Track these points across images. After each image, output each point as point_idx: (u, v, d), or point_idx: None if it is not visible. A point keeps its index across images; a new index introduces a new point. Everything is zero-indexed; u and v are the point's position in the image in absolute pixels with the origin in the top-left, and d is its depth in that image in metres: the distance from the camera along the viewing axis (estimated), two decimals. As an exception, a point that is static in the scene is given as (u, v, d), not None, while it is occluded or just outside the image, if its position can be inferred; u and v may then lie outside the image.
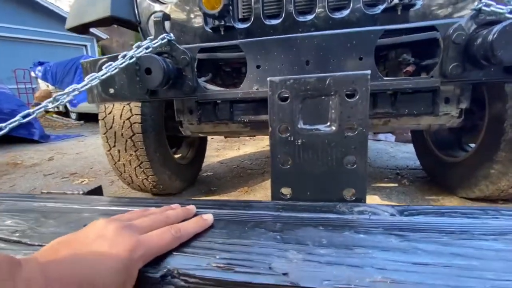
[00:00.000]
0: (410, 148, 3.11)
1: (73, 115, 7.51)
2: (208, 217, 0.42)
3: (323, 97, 0.51)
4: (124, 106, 1.57)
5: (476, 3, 0.82)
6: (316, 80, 0.50)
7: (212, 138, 4.02)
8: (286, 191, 0.54)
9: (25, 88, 9.63)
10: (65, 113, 7.71)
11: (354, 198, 0.51)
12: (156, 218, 0.40)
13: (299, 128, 0.53)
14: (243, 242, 0.38)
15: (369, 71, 0.49)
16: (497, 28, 0.73)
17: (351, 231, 0.40)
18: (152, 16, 1.23)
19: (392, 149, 3.36)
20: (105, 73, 0.86)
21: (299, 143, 0.53)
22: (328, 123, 0.52)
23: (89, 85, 0.83)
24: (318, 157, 0.52)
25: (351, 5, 1.13)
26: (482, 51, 0.77)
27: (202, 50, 1.09)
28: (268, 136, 0.56)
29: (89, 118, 6.89)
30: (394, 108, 1.01)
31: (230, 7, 1.11)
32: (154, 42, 0.97)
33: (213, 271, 0.33)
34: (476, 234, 0.38)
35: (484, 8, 0.78)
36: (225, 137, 3.14)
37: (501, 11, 0.75)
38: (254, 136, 2.69)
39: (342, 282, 0.29)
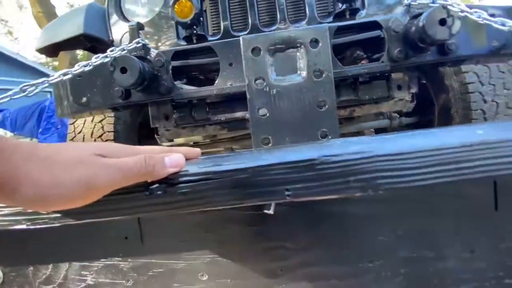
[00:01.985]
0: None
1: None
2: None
3: (290, 49, 0.57)
4: (95, 124, 1.54)
5: (405, 1, 1.00)
6: (283, 35, 0.57)
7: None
8: (266, 139, 0.57)
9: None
10: None
11: (329, 138, 0.55)
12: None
13: (273, 79, 0.59)
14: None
15: (327, 25, 0.57)
16: (424, 14, 0.89)
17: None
18: (128, 25, 1.29)
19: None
20: (77, 69, 0.87)
21: (274, 93, 0.58)
22: (298, 72, 0.57)
23: (59, 78, 0.84)
24: (292, 104, 0.57)
25: (307, 16, 1.30)
26: (418, 34, 0.92)
27: (176, 56, 1.15)
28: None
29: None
30: (355, 95, 1.12)
31: (201, 18, 1.21)
32: (129, 45, 1.01)
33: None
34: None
35: (412, 3, 0.96)
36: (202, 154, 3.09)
37: (425, 2, 0.92)
38: (233, 150, 2.69)
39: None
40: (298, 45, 0.56)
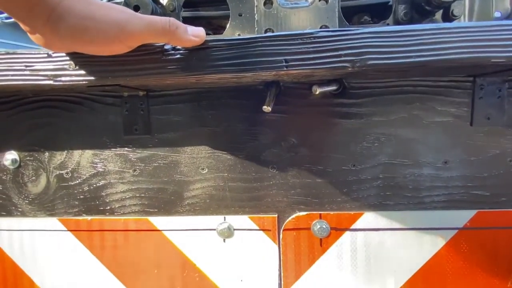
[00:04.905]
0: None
1: None
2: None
3: (300, -24, 0.60)
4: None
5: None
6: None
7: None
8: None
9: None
10: None
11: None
12: None
13: (281, 3, 0.62)
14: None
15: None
16: (433, -25, 0.91)
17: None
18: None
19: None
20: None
21: (281, 15, 0.61)
22: (305, -2, 0.61)
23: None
24: (298, 27, 0.61)
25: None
26: (424, -4, 0.95)
27: (187, 5, 1.17)
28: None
29: None
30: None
31: (214, -31, 1.22)
32: (143, -15, 1.03)
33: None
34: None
35: (423, -35, 0.98)
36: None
37: (435, -37, 0.94)
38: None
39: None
40: (308, -28, 0.59)
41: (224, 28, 1.26)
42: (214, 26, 1.41)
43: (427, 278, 0.53)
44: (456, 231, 0.52)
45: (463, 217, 0.51)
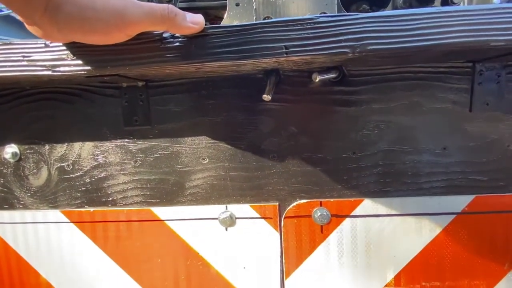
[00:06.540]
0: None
1: None
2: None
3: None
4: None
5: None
6: None
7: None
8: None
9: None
10: None
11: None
12: None
13: (279, -9, 0.62)
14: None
15: None
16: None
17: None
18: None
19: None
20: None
21: (280, 3, 0.61)
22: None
23: None
24: (296, 15, 0.60)
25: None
26: (424, -18, 0.94)
27: (184, -5, 1.16)
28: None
29: None
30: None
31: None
32: (138, -25, 1.02)
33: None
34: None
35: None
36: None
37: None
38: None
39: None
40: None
41: (221, 18, 1.24)
42: (211, 16, 1.39)
43: (426, 263, 0.54)
44: (454, 216, 0.53)
45: (461, 202, 0.52)
